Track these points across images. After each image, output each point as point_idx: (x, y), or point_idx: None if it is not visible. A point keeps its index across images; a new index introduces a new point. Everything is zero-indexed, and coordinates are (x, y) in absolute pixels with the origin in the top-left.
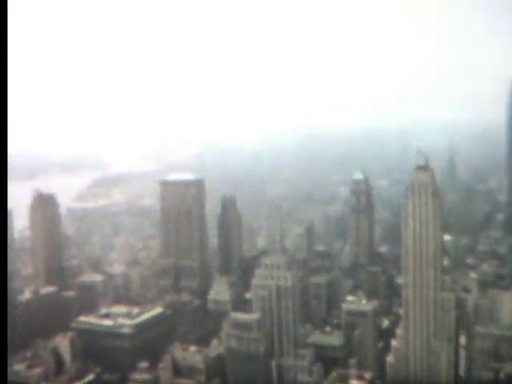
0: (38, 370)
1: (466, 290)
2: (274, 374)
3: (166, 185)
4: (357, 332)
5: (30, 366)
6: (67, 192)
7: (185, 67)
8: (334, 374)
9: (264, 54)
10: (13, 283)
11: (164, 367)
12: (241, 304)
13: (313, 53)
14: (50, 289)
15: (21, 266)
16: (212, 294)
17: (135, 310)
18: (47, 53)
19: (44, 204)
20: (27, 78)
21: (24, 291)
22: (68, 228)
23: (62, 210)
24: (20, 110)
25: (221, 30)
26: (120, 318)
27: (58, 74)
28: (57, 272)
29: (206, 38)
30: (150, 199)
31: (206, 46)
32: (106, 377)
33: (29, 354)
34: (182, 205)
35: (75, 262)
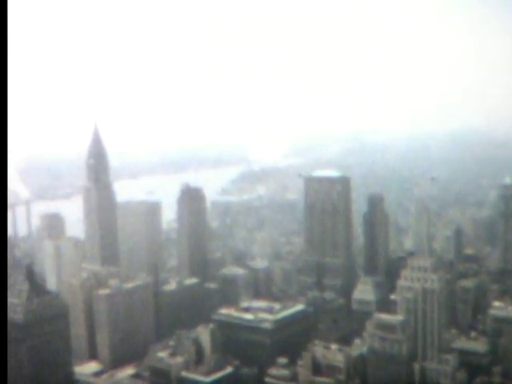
0: (179, 359)
1: None
2: (416, 377)
3: (310, 181)
4: (503, 339)
5: (172, 355)
6: (213, 186)
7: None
8: (477, 380)
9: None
10: (159, 273)
11: (303, 364)
12: (385, 305)
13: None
14: (194, 280)
15: (167, 257)
16: (356, 294)
17: (276, 306)
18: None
19: (191, 197)
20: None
21: (169, 282)
22: (213, 221)
23: (208, 203)
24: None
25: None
26: (261, 313)
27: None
28: (200, 264)
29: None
30: (295, 194)
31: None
32: (244, 370)
33: (171, 343)
34: (326, 201)
35: (218, 254)
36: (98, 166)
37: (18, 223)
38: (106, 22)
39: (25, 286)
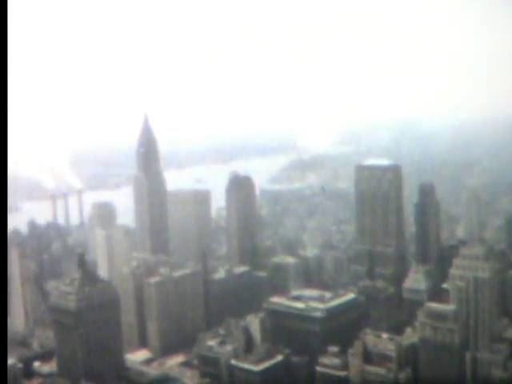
0: (229, 347)
1: None
2: (468, 366)
3: (361, 169)
4: None
5: (221, 343)
6: (263, 174)
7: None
8: None
9: None
10: (209, 262)
11: (354, 353)
12: (437, 294)
13: None
14: (243, 268)
15: (216, 245)
16: (408, 283)
17: (327, 294)
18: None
19: (240, 185)
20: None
21: (218, 270)
22: (262, 209)
23: (257, 192)
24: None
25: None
26: (312, 302)
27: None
28: (250, 252)
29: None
30: (345, 183)
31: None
32: (295, 359)
33: (221, 331)
34: (377, 190)
35: (268, 242)
36: (148, 155)
37: (71, 212)
38: (146, 11)
39: (77, 275)
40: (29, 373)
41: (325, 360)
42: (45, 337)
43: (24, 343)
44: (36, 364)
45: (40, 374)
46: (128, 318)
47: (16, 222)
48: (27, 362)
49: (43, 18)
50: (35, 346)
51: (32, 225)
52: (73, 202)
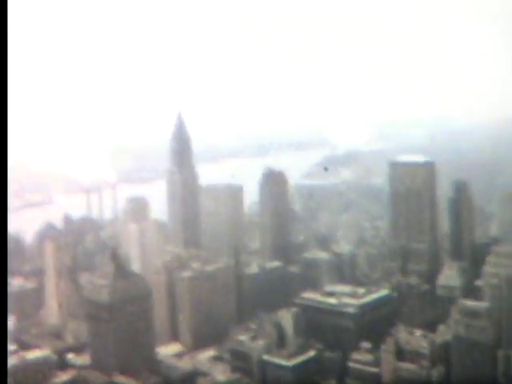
0: (261, 342)
1: None
2: (500, 364)
3: (395, 166)
4: None
5: (253, 338)
6: (296, 169)
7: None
8: None
9: None
10: (241, 256)
11: (387, 349)
12: (471, 291)
13: None
14: (276, 263)
15: (248, 240)
16: (441, 279)
17: (360, 290)
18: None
19: (273, 180)
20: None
21: (251, 265)
22: (295, 204)
23: (290, 187)
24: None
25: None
26: (345, 297)
27: None
28: (283, 247)
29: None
30: (379, 179)
31: None
32: (327, 354)
33: (253, 326)
34: (411, 187)
35: (301, 238)
36: (181, 149)
37: (104, 206)
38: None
39: (110, 268)
40: (63, 364)
41: (357, 356)
42: (78, 329)
43: (58, 335)
44: (69, 356)
45: (73, 366)
46: (160, 311)
47: (50, 215)
48: (61, 354)
49: (84, 13)
50: (69, 338)
51: (67, 218)
52: (107, 195)
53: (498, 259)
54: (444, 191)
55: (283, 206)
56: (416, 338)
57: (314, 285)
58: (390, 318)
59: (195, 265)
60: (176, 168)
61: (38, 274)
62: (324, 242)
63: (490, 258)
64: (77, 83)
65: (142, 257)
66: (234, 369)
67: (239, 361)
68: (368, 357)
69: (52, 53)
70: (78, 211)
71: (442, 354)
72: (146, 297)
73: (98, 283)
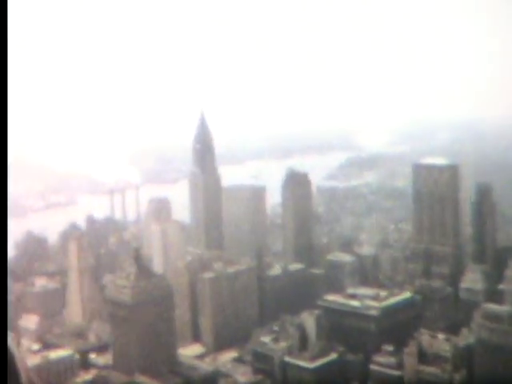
0: (283, 344)
1: None
2: None
3: (418, 168)
4: None
5: (275, 339)
6: (319, 171)
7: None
8: None
9: None
10: (263, 258)
11: (409, 352)
12: (493, 294)
13: None
14: (299, 265)
15: (271, 241)
16: (464, 282)
17: (383, 293)
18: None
19: (296, 182)
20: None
21: (273, 266)
22: (318, 206)
23: (313, 189)
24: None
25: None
26: (367, 300)
27: None
28: (305, 249)
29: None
30: (403, 182)
31: None
32: (350, 357)
33: (275, 328)
34: (435, 189)
35: (324, 240)
36: (204, 150)
37: (127, 207)
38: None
39: (133, 269)
40: (85, 364)
41: (380, 359)
42: (101, 329)
43: (81, 335)
44: (92, 356)
45: (96, 366)
46: (181, 312)
47: (74, 216)
48: (84, 354)
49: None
50: (92, 338)
51: (90, 219)
52: (130, 196)
53: None
54: (468, 194)
55: (306, 207)
56: (438, 342)
57: (337, 287)
58: (413, 320)
59: (217, 266)
60: (198, 169)
61: (62, 274)
62: (347, 245)
63: None
64: (102, 85)
65: (164, 257)
66: (256, 370)
67: (261, 362)
68: (390, 360)
69: (79, 54)
70: (101, 212)
71: (464, 357)
72: (168, 297)
73: (121, 283)
